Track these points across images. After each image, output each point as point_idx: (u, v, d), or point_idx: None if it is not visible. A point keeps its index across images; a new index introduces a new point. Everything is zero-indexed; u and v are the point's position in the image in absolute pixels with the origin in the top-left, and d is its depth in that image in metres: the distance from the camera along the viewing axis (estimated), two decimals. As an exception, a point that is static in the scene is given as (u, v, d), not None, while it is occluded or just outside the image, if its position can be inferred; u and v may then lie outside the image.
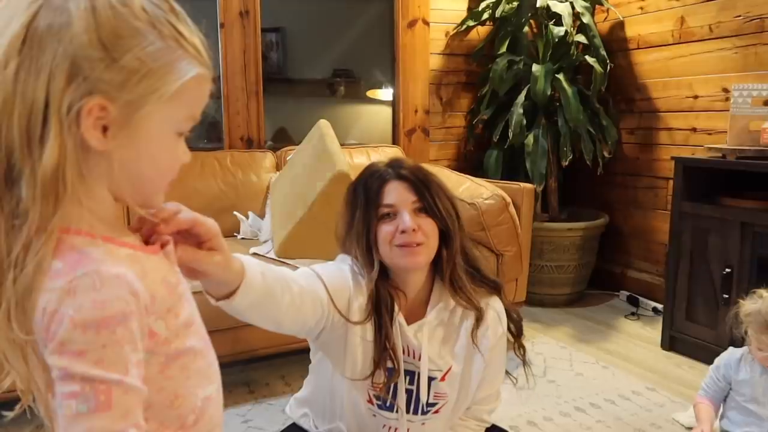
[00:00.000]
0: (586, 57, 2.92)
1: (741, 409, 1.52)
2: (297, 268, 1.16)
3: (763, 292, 1.48)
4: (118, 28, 0.57)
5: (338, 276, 1.13)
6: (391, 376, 1.11)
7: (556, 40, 2.94)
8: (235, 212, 2.51)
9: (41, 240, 0.56)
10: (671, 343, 2.49)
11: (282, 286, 0.98)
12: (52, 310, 0.55)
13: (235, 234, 2.50)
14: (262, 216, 2.54)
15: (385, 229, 1.10)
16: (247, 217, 2.52)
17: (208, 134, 3.00)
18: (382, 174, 1.14)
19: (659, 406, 2.03)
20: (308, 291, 1.05)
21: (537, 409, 2.01)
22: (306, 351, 1.29)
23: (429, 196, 1.11)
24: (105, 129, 0.58)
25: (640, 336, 2.68)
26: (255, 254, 2.18)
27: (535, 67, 2.87)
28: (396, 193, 1.11)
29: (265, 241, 2.36)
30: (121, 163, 0.60)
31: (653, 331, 2.68)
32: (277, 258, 2.12)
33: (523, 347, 1.23)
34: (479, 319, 1.15)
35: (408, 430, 1.16)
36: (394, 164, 1.15)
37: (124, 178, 0.61)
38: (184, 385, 0.65)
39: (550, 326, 2.79)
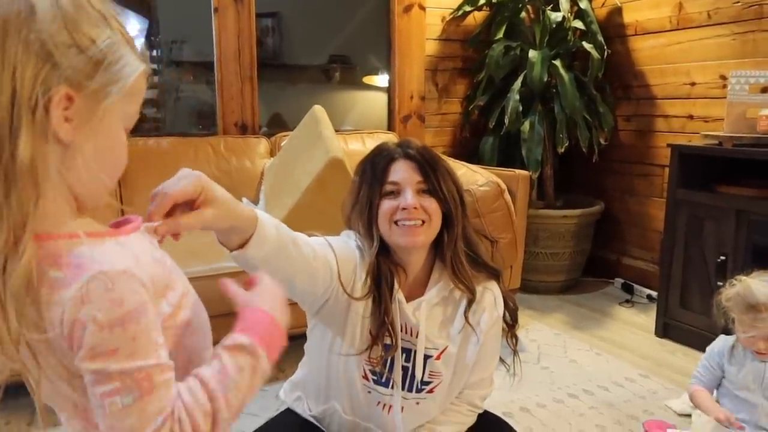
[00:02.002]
0: (584, 43, 2.90)
1: (732, 396, 1.53)
2: None
3: (741, 277, 1.50)
4: (80, 19, 0.58)
5: (346, 248, 1.14)
6: (388, 351, 1.12)
7: (554, 25, 2.92)
8: (229, 198, 2.49)
9: (22, 244, 0.55)
10: (665, 330, 2.50)
11: (296, 245, 0.99)
12: (71, 319, 0.55)
13: (229, 220, 2.48)
14: (256, 202, 2.53)
15: (386, 206, 1.12)
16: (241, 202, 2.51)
17: (201, 120, 2.98)
18: (391, 152, 1.15)
19: (652, 393, 2.04)
20: (321, 257, 1.06)
21: (530, 395, 2.01)
22: (300, 337, 1.29)
23: (434, 178, 1.12)
24: (69, 120, 0.58)
25: (635, 323, 2.69)
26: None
27: (532, 53, 2.85)
28: (402, 172, 1.13)
29: (259, 228, 2.35)
30: (84, 156, 0.60)
31: (647, 319, 2.68)
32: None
33: (516, 337, 1.24)
34: (471, 302, 1.16)
35: (402, 408, 1.17)
36: (403, 144, 1.17)
37: (85, 172, 0.61)
38: (195, 346, 0.69)
39: (544, 313, 2.80)
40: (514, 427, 1.29)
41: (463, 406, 1.23)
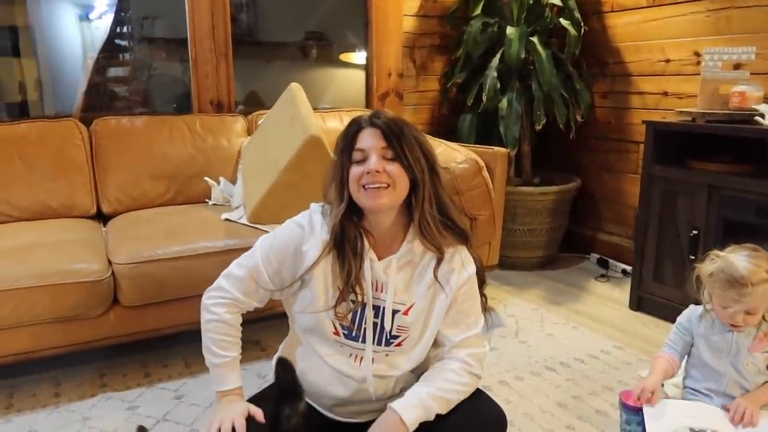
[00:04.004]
0: (561, 20, 2.90)
1: (701, 366, 1.56)
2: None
3: (718, 252, 1.50)
4: None
5: (284, 237, 1.26)
6: (355, 305, 1.22)
7: (531, 2, 2.91)
8: (205, 177, 2.46)
9: None
10: (639, 303, 2.56)
11: (237, 321, 1.27)
12: None
13: (206, 200, 2.46)
14: (233, 181, 2.50)
15: (355, 171, 1.21)
16: (218, 182, 2.48)
17: (175, 98, 2.93)
18: (360, 122, 1.25)
19: (626, 364, 2.09)
20: (252, 291, 1.26)
21: (509, 368, 2.05)
22: (280, 315, 1.32)
23: (398, 144, 1.20)
24: None
25: (609, 297, 2.74)
26: (227, 220, 2.16)
27: (510, 30, 2.84)
28: (368, 139, 1.22)
29: (237, 207, 2.33)
30: None
31: (622, 293, 2.74)
32: (249, 224, 2.09)
33: (485, 296, 1.34)
34: (440, 260, 1.25)
35: (372, 360, 1.25)
36: (372, 114, 1.26)
37: None
38: None
39: (522, 289, 2.84)
40: (494, 399, 1.32)
41: (455, 363, 1.26)
